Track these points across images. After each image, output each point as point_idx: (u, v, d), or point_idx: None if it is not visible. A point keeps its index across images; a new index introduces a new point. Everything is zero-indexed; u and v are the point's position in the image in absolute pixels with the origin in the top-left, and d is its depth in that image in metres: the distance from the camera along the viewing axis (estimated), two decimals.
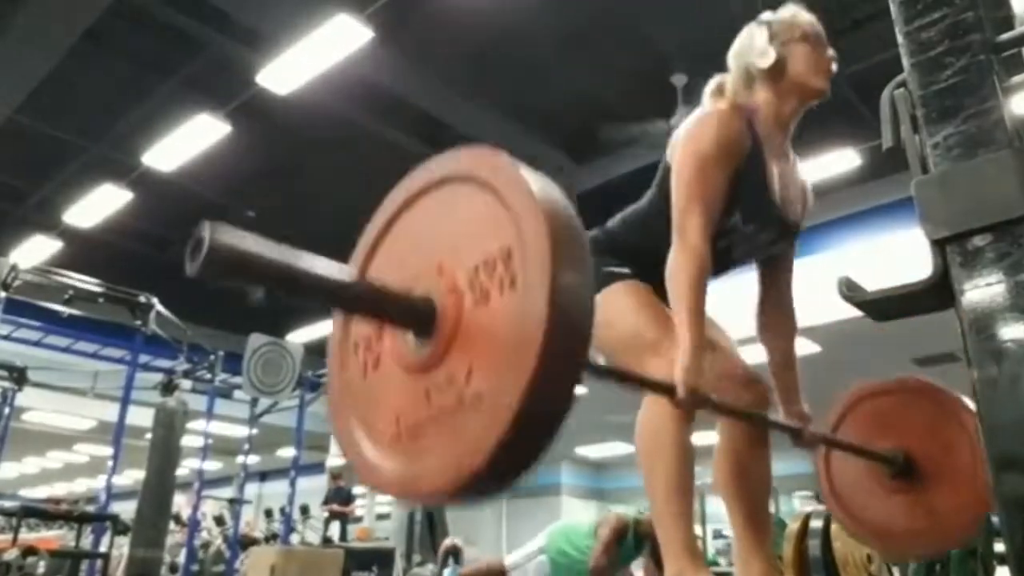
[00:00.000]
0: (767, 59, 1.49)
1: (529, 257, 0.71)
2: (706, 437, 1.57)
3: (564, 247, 0.70)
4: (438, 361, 0.77)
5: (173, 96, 6.20)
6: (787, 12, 1.55)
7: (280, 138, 6.79)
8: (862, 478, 1.74)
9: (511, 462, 0.70)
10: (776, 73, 1.50)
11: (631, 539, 3.42)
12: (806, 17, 1.55)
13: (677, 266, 1.35)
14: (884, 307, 0.98)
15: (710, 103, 1.58)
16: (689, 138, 1.46)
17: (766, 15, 1.55)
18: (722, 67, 1.64)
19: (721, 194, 1.42)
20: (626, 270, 1.52)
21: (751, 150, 1.46)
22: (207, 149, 6.47)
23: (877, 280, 0.98)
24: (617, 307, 1.46)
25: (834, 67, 1.52)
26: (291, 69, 5.32)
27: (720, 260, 1.49)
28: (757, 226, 1.51)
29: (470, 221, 0.80)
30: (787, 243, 1.60)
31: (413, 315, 0.78)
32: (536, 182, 0.75)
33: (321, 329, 10.41)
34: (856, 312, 1.01)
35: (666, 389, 1.23)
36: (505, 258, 0.73)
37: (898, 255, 5.43)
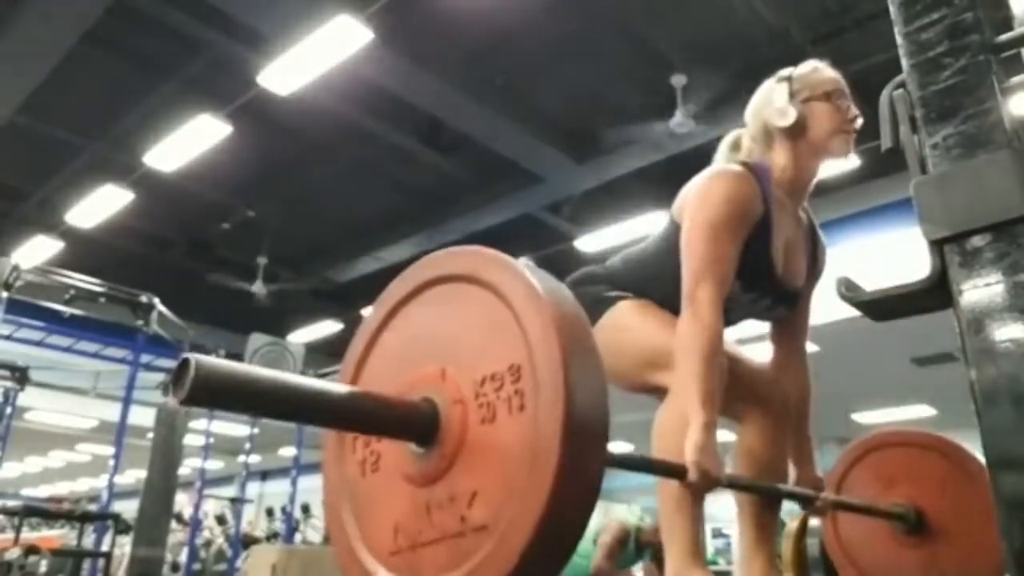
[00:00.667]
0: (787, 119, 1.42)
1: (540, 380, 0.65)
2: (723, 435, 1.57)
3: (577, 364, 0.65)
4: (441, 475, 0.72)
5: (174, 96, 6.20)
6: (809, 67, 1.48)
7: (281, 139, 6.79)
8: (872, 533, 1.69)
9: None
10: (796, 133, 1.42)
11: (632, 546, 3.43)
12: (830, 74, 1.47)
13: (689, 341, 1.28)
14: (882, 307, 0.98)
15: (724, 159, 1.52)
16: (700, 201, 1.38)
17: (787, 70, 1.48)
18: (721, 68, 1.62)
19: (734, 262, 1.35)
20: (630, 294, 1.49)
21: (762, 215, 1.39)
22: (208, 150, 6.47)
23: (875, 280, 0.98)
24: (623, 325, 1.42)
25: (857, 126, 1.43)
26: (292, 70, 5.32)
27: (739, 312, 1.48)
28: (756, 294, 1.45)
29: (475, 326, 0.74)
30: (788, 308, 1.52)
31: (415, 424, 0.73)
32: (544, 288, 0.69)
33: (322, 329, 10.43)
34: (855, 312, 1.01)
35: (677, 473, 1.18)
36: (514, 376, 0.68)
37: (896, 255, 5.43)
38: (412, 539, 0.73)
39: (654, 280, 1.47)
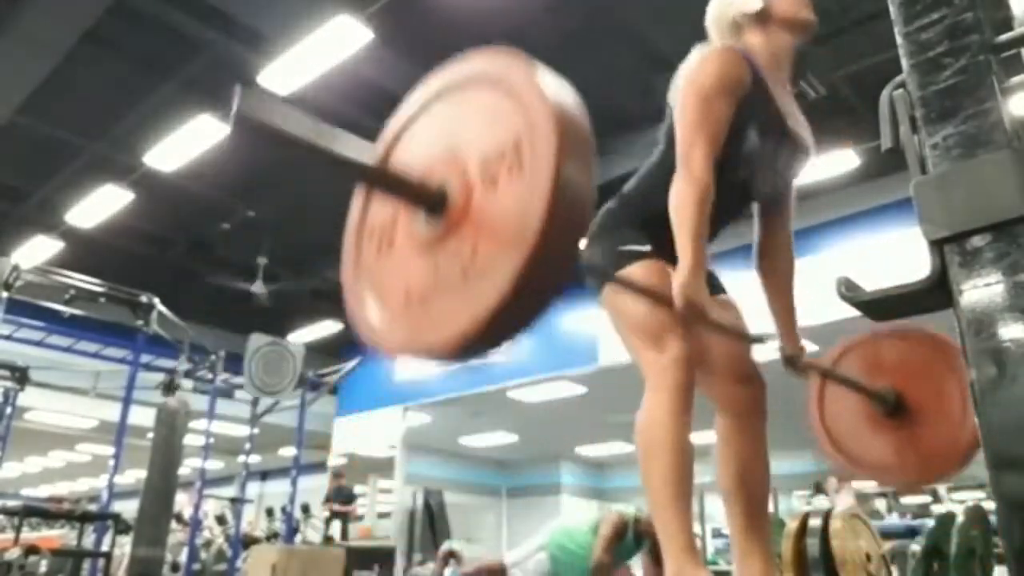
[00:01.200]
0: (754, 4, 1.57)
1: (536, 144, 0.76)
2: (706, 436, 1.58)
3: (569, 136, 0.76)
4: (447, 237, 0.84)
5: (174, 96, 6.20)
6: None
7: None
8: (853, 414, 1.81)
9: (506, 325, 0.77)
10: (763, 17, 1.57)
11: (631, 537, 3.44)
12: None
13: (680, 194, 1.39)
14: (882, 307, 0.98)
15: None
16: (692, 73, 1.50)
17: None
18: None
19: (724, 126, 1.46)
20: (644, 247, 1.52)
21: (754, 79, 1.51)
22: (208, 150, 6.47)
23: (876, 280, 0.98)
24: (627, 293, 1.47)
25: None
26: (292, 70, 5.32)
27: (743, 194, 1.55)
28: (773, 143, 1.54)
29: (484, 117, 0.86)
30: (800, 166, 1.64)
31: (427, 196, 0.86)
32: (547, 79, 0.81)
33: (322, 329, 10.43)
34: (854, 312, 1.01)
35: (665, 300, 1.29)
36: (515, 147, 0.80)
37: (897, 255, 5.43)
38: (421, 295, 0.85)
39: (664, 183, 1.50)
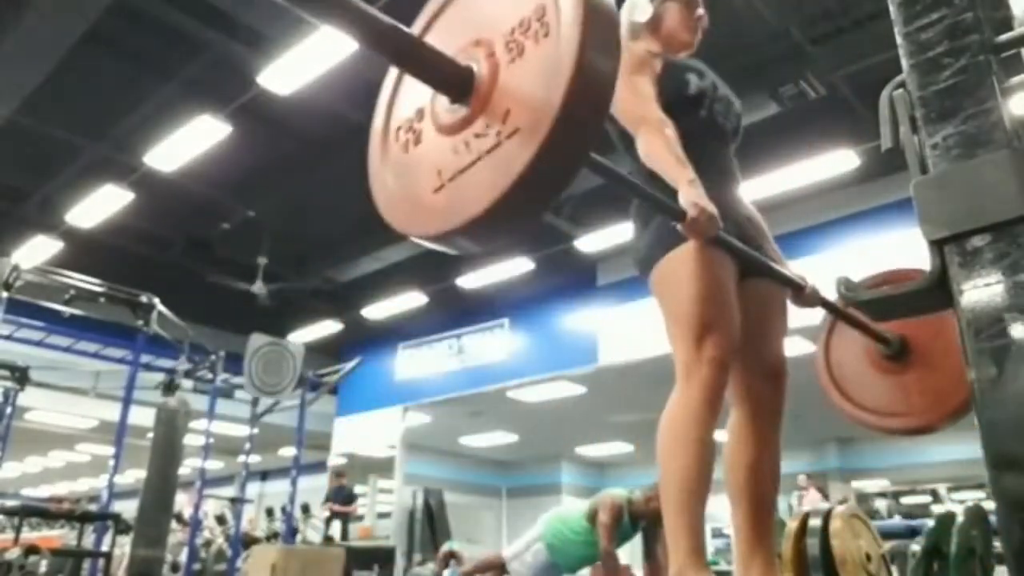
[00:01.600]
0: (645, 15, 1.73)
1: (561, 6, 0.78)
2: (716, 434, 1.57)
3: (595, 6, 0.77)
4: (476, 116, 0.85)
5: (174, 97, 6.20)
6: None
7: (281, 139, 6.79)
8: (860, 360, 1.83)
9: (542, 182, 0.78)
10: (654, 27, 1.73)
11: (627, 519, 3.49)
12: None
13: (649, 143, 1.47)
14: (883, 307, 0.98)
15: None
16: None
17: None
18: (721, 67, 1.70)
19: (652, 87, 1.58)
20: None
21: (662, 59, 1.67)
22: (208, 150, 6.47)
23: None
24: (686, 273, 1.45)
25: (704, 23, 1.77)
26: (292, 70, 5.32)
27: (712, 131, 1.64)
28: (712, 83, 1.68)
29: (515, 3, 0.87)
30: (738, 106, 1.75)
31: (454, 79, 0.86)
32: None
33: (322, 329, 10.42)
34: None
35: (677, 213, 1.31)
36: (539, 14, 0.81)
37: (897, 256, 5.42)
38: (453, 171, 0.86)
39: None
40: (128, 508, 6.44)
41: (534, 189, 0.78)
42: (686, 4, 1.75)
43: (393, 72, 1.09)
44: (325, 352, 9.85)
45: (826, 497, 10.08)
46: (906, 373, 1.75)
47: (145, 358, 6.48)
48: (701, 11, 1.77)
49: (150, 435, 5.56)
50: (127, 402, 5.99)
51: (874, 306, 0.97)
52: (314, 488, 9.91)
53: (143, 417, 6.23)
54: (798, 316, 1.70)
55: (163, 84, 6.14)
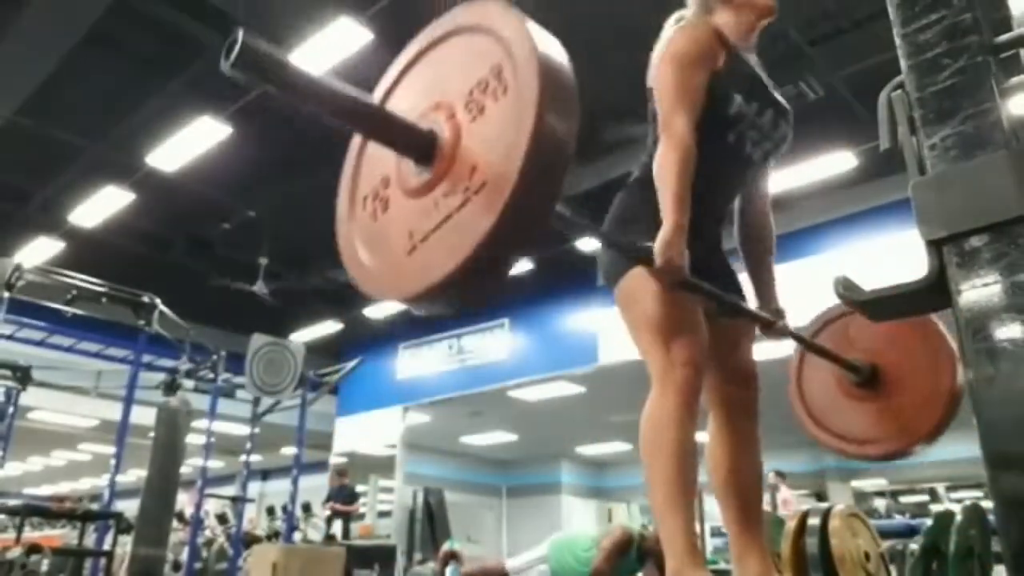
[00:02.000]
0: None
1: (518, 64, 0.80)
2: (703, 435, 1.58)
3: (548, 53, 0.80)
4: (441, 178, 0.86)
5: (176, 97, 6.20)
6: None
7: (282, 139, 6.79)
8: (831, 388, 1.84)
9: (512, 234, 0.78)
10: None
11: (634, 553, 3.38)
12: None
13: (663, 158, 1.43)
14: (880, 307, 0.98)
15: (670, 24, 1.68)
16: (667, 47, 1.56)
17: None
18: None
19: (701, 93, 1.50)
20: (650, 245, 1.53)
21: (728, 53, 1.56)
22: (209, 150, 6.47)
23: (874, 280, 0.98)
24: (648, 288, 1.46)
25: None
26: None
27: (735, 158, 1.56)
28: (759, 105, 1.57)
29: (465, 60, 0.90)
30: (786, 129, 1.66)
31: (418, 143, 0.88)
32: (522, 15, 0.84)
33: (323, 329, 10.42)
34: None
35: (645, 259, 1.32)
36: (496, 74, 0.83)
37: (895, 256, 5.43)
38: (424, 231, 0.87)
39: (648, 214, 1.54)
40: (130, 507, 6.44)
41: (505, 240, 0.78)
42: None
43: (354, 143, 1.11)
44: (326, 352, 9.85)
45: (821, 497, 10.08)
46: (878, 399, 1.76)
47: (146, 358, 6.49)
48: None
49: (151, 434, 5.56)
50: (129, 401, 5.99)
51: (872, 306, 0.97)
52: (315, 487, 9.91)
53: (145, 416, 6.23)
54: (790, 318, 1.71)
55: (164, 85, 6.14)
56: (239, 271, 8.77)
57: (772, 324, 1.60)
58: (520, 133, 0.76)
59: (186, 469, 7.90)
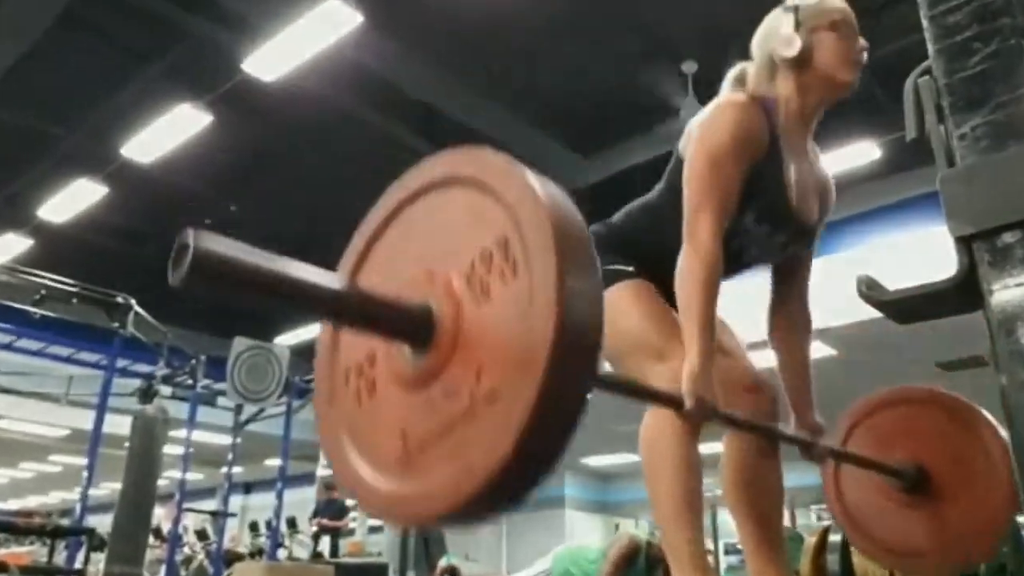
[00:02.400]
0: (792, 48, 1.48)
1: (528, 240, 0.72)
2: (715, 446, 1.57)
3: (563, 226, 0.71)
4: (441, 368, 0.76)
5: (153, 84, 6.20)
6: None
7: (266, 128, 6.80)
8: (873, 493, 1.74)
9: (534, 458, 0.69)
10: (801, 63, 1.48)
11: (642, 562, 3.40)
12: (837, 3, 1.53)
13: (687, 269, 1.35)
14: (906, 308, 0.97)
15: (729, 92, 1.56)
16: (704, 130, 1.45)
17: (793, 0, 1.54)
18: (735, 54, 1.64)
19: (736, 192, 1.41)
20: (629, 268, 1.51)
21: (769, 145, 1.46)
22: (188, 140, 6.47)
23: (899, 279, 0.98)
24: (620, 308, 1.45)
25: (864, 58, 1.51)
26: (278, 55, 5.33)
27: (732, 262, 1.49)
28: (770, 227, 1.50)
29: (461, 221, 0.80)
30: (802, 245, 1.59)
31: (409, 325, 0.77)
32: (528, 172, 0.76)
33: (309, 332, 10.41)
34: (876, 313, 1.01)
35: (672, 401, 1.23)
36: (502, 248, 0.74)
37: (921, 253, 5.43)
38: (419, 437, 0.78)
39: (657, 225, 1.51)
40: (103, 523, 6.44)
41: (524, 466, 0.69)
42: (844, 33, 1.49)
43: (352, 260, 0.98)
44: (313, 356, 9.84)
45: None
46: (926, 506, 1.65)
47: (121, 363, 6.48)
48: (862, 42, 1.51)
49: (126, 445, 5.56)
50: (102, 409, 5.99)
51: (897, 307, 0.97)
52: (301, 501, 9.90)
53: (119, 426, 6.23)
54: (815, 318, 1.69)
55: (141, 71, 6.14)
56: None
57: (811, 446, 1.52)
58: (537, 337, 0.67)
59: (163, 482, 7.89)
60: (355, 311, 0.79)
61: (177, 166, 6.97)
